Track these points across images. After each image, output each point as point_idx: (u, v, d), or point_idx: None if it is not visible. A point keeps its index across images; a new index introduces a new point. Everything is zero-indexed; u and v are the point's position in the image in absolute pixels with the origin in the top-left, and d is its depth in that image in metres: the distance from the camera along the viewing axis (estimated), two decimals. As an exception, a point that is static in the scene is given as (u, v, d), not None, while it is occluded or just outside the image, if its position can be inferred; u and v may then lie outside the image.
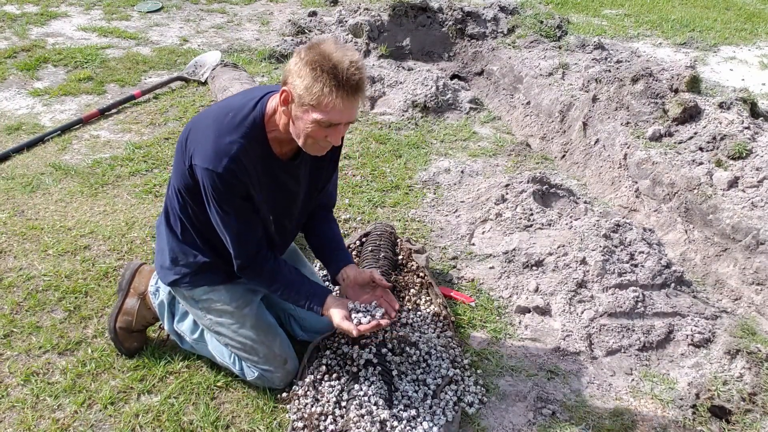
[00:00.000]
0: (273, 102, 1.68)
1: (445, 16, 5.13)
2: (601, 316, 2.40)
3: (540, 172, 3.21)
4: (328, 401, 1.98)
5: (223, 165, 1.61)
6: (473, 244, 2.88)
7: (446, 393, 2.04)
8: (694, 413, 2.08)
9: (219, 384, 2.09)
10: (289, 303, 1.96)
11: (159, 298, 2.13)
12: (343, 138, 1.85)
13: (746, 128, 3.18)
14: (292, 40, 5.12)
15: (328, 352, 2.09)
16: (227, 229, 1.74)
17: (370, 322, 1.81)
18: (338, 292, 2.22)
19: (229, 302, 1.95)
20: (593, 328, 2.38)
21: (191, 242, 1.90)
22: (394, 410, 1.94)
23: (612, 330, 2.37)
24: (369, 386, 1.96)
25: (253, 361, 1.99)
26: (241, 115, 1.67)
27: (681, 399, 2.13)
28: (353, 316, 1.82)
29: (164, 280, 1.97)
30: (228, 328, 1.97)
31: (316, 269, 2.50)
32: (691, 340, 2.35)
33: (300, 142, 1.63)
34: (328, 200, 2.08)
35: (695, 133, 3.30)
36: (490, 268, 2.70)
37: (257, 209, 1.76)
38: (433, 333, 2.24)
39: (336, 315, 1.81)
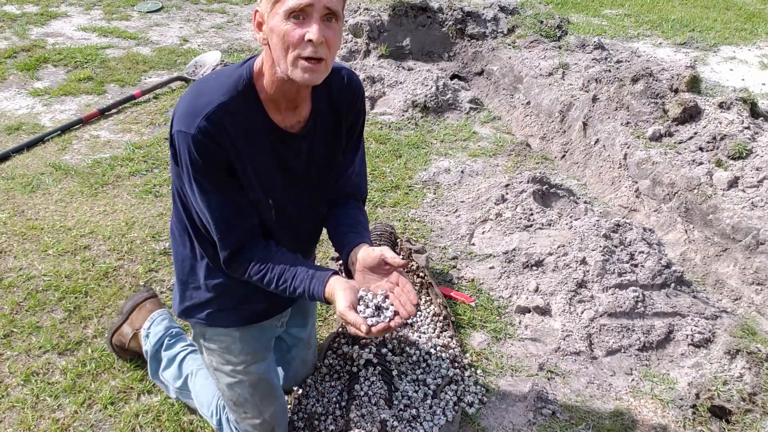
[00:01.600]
0: (261, 58, 1.40)
1: (445, 16, 5.13)
2: (601, 316, 2.40)
3: (540, 172, 3.21)
4: (329, 401, 1.98)
5: (196, 125, 1.32)
6: (473, 244, 2.88)
7: (446, 393, 2.04)
8: (694, 413, 2.08)
9: (219, 384, 2.09)
10: (286, 294, 1.51)
11: (146, 345, 2.03)
12: (361, 110, 1.59)
13: (746, 128, 3.18)
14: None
15: (329, 352, 2.09)
16: (210, 212, 1.42)
17: (379, 323, 1.39)
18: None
19: (239, 353, 1.70)
20: (593, 328, 2.38)
21: (198, 255, 1.59)
22: (394, 410, 1.94)
23: (612, 330, 2.37)
24: (369, 386, 1.96)
25: (239, 415, 1.79)
26: (225, 75, 1.40)
27: (681, 399, 2.13)
28: (360, 308, 1.41)
29: (175, 308, 1.72)
30: (226, 377, 1.74)
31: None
32: (691, 340, 2.35)
33: (283, 69, 1.30)
34: (354, 189, 1.67)
35: (695, 133, 3.30)
36: (490, 268, 2.70)
37: (247, 187, 1.44)
38: (433, 333, 2.24)
39: (340, 300, 1.39)
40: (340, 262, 1.95)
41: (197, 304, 1.65)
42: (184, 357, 1.98)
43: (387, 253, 1.45)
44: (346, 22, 5.03)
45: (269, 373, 1.77)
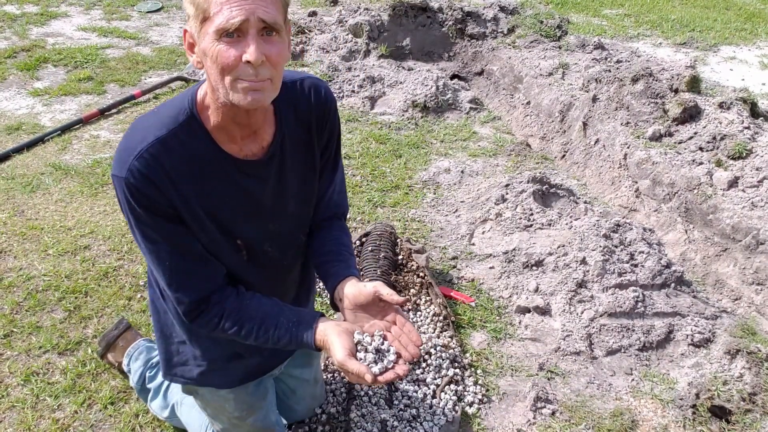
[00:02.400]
0: (205, 85, 1.22)
1: (445, 15, 5.13)
2: (601, 316, 2.40)
3: (540, 172, 3.21)
4: (329, 401, 1.98)
5: (127, 166, 1.14)
6: (473, 244, 2.88)
7: (446, 393, 2.04)
8: (694, 413, 2.08)
9: (219, 384, 2.09)
10: (268, 346, 1.33)
11: (131, 382, 1.98)
12: (334, 126, 1.38)
13: (746, 128, 3.18)
14: (292, 40, 5.13)
15: (328, 352, 2.09)
16: (159, 264, 1.24)
17: (384, 370, 1.22)
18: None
19: (234, 410, 1.60)
20: (593, 328, 2.38)
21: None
22: (395, 410, 1.94)
23: (612, 330, 2.37)
24: (369, 386, 1.96)
25: None
26: (167, 105, 1.24)
27: (681, 399, 2.13)
28: (359, 355, 1.23)
29: (162, 369, 1.57)
30: (221, 425, 1.67)
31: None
32: (691, 340, 2.35)
33: (224, 94, 1.13)
34: (336, 209, 1.51)
35: (695, 133, 3.30)
36: (490, 268, 2.70)
37: (199, 231, 1.25)
38: (433, 333, 2.24)
39: (337, 348, 1.21)
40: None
41: (184, 361, 1.50)
42: (168, 386, 1.90)
43: (382, 289, 1.27)
44: (345, 21, 5.03)
45: (266, 419, 1.67)
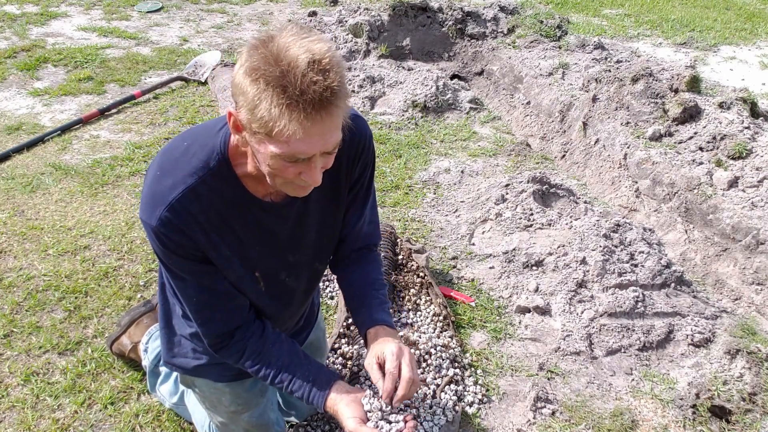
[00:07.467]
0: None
1: (445, 15, 5.13)
2: (601, 315, 2.40)
3: (540, 172, 3.21)
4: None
5: (157, 215, 1.16)
6: (473, 244, 2.88)
7: (446, 393, 2.04)
8: (694, 413, 2.08)
9: (219, 384, 2.09)
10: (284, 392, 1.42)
11: (145, 360, 1.99)
12: (368, 161, 1.37)
13: (746, 128, 3.18)
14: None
15: (329, 352, 2.09)
16: (187, 301, 1.31)
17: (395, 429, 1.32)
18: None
19: (229, 404, 1.61)
20: (593, 327, 2.38)
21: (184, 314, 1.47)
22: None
23: (612, 330, 2.37)
24: (369, 386, 1.96)
25: None
26: (198, 144, 1.20)
27: (681, 399, 2.13)
28: (370, 424, 1.32)
29: (163, 356, 1.61)
30: (218, 417, 1.68)
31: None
32: (691, 340, 2.35)
33: (269, 181, 1.14)
34: (367, 240, 1.52)
35: (695, 133, 3.30)
36: (490, 268, 2.70)
37: (226, 269, 1.28)
38: (433, 333, 2.24)
39: (348, 418, 1.30)
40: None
41: (184, 353, 1.53)
42: None
43: (371, 373, 1.35)
44: (345, 21, 5.03)
45: (264, 416, 1.68)
